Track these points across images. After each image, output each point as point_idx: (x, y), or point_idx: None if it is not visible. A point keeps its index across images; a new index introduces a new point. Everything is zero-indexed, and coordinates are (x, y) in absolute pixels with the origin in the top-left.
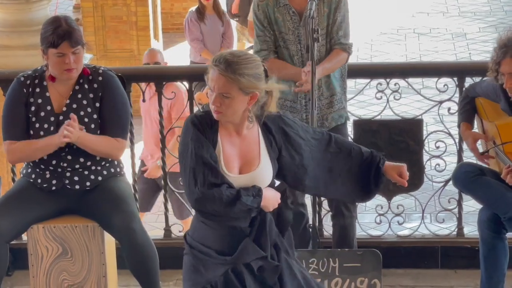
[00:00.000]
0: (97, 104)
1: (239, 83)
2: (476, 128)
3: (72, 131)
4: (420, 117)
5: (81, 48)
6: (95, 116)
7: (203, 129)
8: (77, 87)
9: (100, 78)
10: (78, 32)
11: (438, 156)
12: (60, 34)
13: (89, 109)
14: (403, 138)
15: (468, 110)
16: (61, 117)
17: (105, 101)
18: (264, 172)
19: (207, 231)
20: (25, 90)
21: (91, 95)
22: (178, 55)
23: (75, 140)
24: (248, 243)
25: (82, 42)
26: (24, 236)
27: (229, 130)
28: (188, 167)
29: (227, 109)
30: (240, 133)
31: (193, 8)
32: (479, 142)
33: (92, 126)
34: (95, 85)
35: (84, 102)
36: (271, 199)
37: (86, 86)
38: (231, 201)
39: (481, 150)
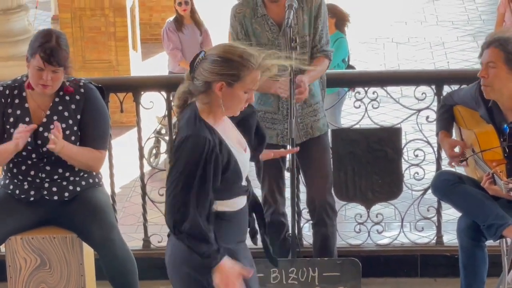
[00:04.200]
0: (78, 116)
1: None
2: (454, 137)
3: (59, 137)
4: (398, 125)
5: (63, 69)
6: (75, 128)
7: (213, 142)
8: (57, 99)
9: (82, 90)
10: (64, 54)
11: (417, 165)
12: (45, 49)
13: (70, 121)
14: (382, 146)
15: (446, 118)
16: (40, 129)
17: (86, 114)
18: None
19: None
20: (3, 100)
21: (73, 107)
22: (157, 65)
23: (59, 150)
24: None
25: (64, 65)
26: (2, 248)
27: (222, 120)
28: (187, 186)
29: None
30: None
31: (171, 18)
32: (456, 149)
33: (73, 138)
34: (78, 97)
35: (66, 114)
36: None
37: (67, 98)
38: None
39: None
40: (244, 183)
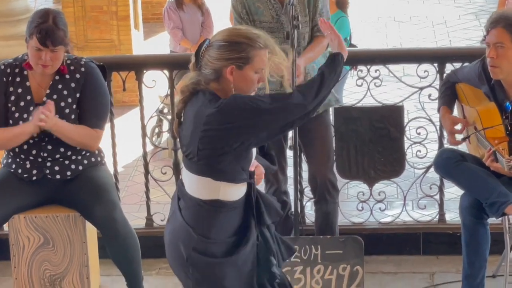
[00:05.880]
0: (78, 95)
1: None
2: (456, 114)
3: (48, 115)
4: (401, 103)
5: (62, 47)
6: (74, 106)
7: None
8: (57, 77)
9: (83, 69)
10: (62, 33)
11: (419, 143)
12: (42, 29)
13: (69, 100)
14: (384, 125)
15: (449, 95)
16: (40, 107)
17: (85, 92)
18: None
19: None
20: (5, 79)
21: (72, 85)
22: (159, 45)
23: (50, 127)
24: None
25: (63, 43)
26: (5, 227)
27: None
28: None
29: None
30: None
31: None
32: (457, 126)
33: (72, 116)
34: (78, 76)
35: (65, 92)
36: None
37: (67, 76)
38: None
39: (460, 135)
40: (247, 173)
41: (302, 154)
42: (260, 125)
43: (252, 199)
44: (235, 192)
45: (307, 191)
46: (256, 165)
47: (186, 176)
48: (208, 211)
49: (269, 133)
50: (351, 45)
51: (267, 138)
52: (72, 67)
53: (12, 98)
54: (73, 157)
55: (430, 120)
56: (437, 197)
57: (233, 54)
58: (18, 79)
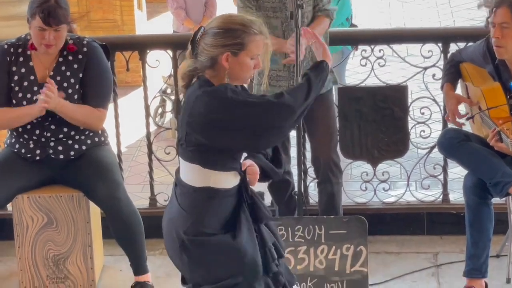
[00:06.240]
0: (81, 75)
1: None
2: (459, 93)
3: (51, 96)
4: (404, 83)
5: (65, 26)
6: (77, 86)
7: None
8: (60, 59)
9: (85, 49)
10: (64, 12)
11: (423, 123)
12: (44, 9)
13: (72, 80)
14: (388, 105)
15: (453, 73)
16: (44, 88)
17: (88, 71)
18: None
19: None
20: (8, 58)
21: (75, 66)
22: (162, 25)
23: (53, 107)
24: None
25: (66, 22)
26: (9, 207)
27: None
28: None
29: None
30: None
31: None
32: (461, 106)
33: (75, 97)
34: (80, 56)
35: (68, 73)
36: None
37: (70, 57)
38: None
39: (461, 120)
40: (239, 162)
41: (305, 134)
42: (244, 119)
43: (243, 192)
44: (226, 180)
45: (311, 171)
46: (249, 164)
47: (180, 163)
48: (202, 198)
49: (257, 137)
50: (352, 25)
51: (255, 142)
52: (74, 47)
53: (16, 78)
54: (77, 137)
55: (434, 100)
56: (441, 177)
57: (228, 40)
58: (21, 59)
